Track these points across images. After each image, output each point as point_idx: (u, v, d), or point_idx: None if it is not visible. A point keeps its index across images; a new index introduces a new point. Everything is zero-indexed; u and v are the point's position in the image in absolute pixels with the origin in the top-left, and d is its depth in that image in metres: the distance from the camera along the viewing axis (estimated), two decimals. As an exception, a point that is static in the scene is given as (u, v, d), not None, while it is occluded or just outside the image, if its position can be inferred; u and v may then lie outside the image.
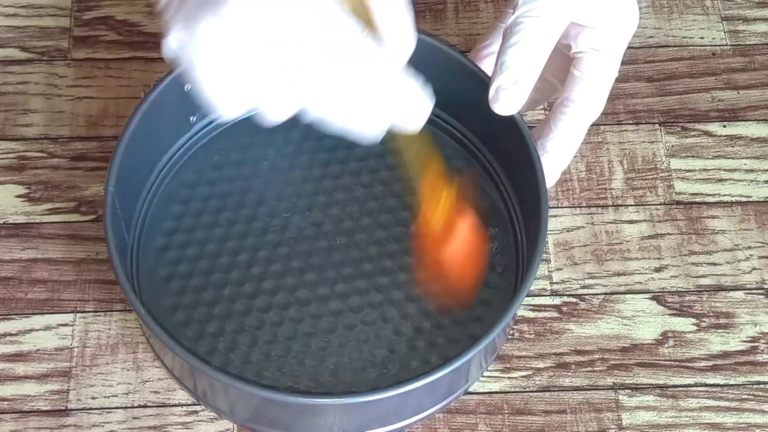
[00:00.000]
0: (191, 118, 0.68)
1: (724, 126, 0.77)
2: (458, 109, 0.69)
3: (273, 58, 0.51)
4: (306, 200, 0.68)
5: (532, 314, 0.70)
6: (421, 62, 0.68)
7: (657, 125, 0.77)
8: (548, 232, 0.72)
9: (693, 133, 0.76)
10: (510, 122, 0.64)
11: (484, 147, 0.70)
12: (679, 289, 0.71)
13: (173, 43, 0.52)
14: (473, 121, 0.69)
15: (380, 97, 0.53)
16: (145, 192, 0.67)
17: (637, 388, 0.68)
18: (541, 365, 0.68)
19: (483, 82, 0.63)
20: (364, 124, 0.54)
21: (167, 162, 0.68)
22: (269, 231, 0.67)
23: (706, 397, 0.68)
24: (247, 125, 0.70)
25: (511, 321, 0.63)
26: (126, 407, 0.66)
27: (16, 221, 0.71)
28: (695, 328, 0.70)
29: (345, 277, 0.66)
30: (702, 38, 0.80)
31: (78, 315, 0.68)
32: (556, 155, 0.65)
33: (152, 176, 0.67)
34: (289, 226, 0.67)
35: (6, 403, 0.66)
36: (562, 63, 0.65)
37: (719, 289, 0.71)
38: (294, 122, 0.70)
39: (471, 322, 0.65)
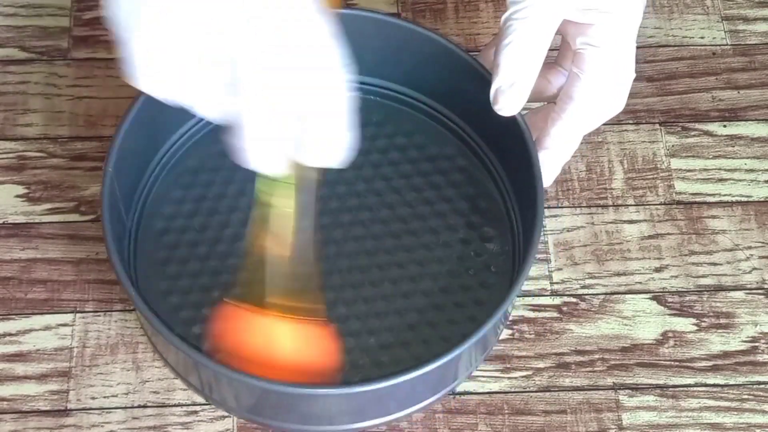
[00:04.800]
0: None
1: (725, 126, 0.77)
2: (461, 107, 0.69)
3: (219, 46, 0.49)
4: None
5: (532, 314, 0.70)
6: (424, 59, 0.68)
7: (657, 125, 0.77)
8: (548, 232, 0.72)
9: (693, 133, 0.76)
10: (510, 121, 0.63)
11: (485, 145, 0.69)
12: (680, 289, 0.71)
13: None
14: (475, 119, 0.69)
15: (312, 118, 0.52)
16: (147, 175, 0.67)
17: (637, 388, 0.68)
18: (541, 365, 0.68)
19: (485, 80, 0.63)
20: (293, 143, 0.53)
21: (170, 147, 0.68)
22: None
23: (707, 397, 0.68)
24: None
25: (502, 320, 0.63)
26: (126, 407, 0.66)
27: (16, 221, 0.71)
28: (695, 328, 0.70)
29: (340, 270, 0.66)
30: (702, 38, 0.80)
31: (78, 315, 0.68)
32: (554, 152, 0.64)
33: (155, 161, 0.68)
34: None
35: (6, 403, 0.66)
36: (572, 54, 0.64)
37: (719, 289, 0.71)
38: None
39: (464, 321, 0.65)
